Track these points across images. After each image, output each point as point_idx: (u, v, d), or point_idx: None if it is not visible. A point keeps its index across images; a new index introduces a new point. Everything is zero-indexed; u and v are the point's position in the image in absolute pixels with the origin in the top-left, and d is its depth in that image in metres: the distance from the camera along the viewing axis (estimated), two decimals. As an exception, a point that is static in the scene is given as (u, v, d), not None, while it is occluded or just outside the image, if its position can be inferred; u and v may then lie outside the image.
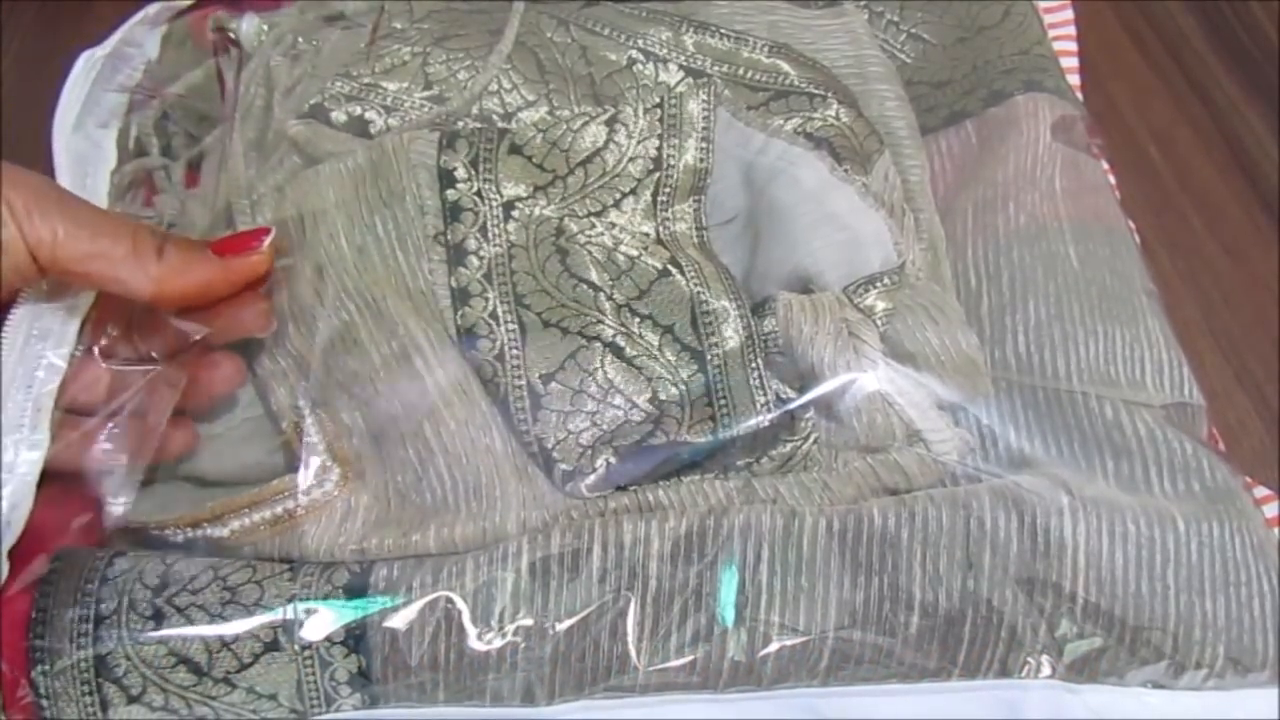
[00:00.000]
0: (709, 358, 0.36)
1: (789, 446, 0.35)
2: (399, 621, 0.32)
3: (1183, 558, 0.32)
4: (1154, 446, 0.35)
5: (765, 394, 0.35)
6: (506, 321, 0.36)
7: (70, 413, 0.34)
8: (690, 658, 0.32)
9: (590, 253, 0.37)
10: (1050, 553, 0.32)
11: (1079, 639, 0.32)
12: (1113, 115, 0.53)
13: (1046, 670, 0.32)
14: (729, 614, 0.32)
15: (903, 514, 0.33)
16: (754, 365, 0.36)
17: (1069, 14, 0.50)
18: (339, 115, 0.41)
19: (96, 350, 0.34)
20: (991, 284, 0.39)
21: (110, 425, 0.33)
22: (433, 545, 0.34)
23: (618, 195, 0.39)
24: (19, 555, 0.34)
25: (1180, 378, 0.37)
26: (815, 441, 0.35)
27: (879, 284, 0.36)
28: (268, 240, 0.34)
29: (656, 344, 0.36)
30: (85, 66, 0.44)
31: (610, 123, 0.39)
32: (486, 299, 0.37)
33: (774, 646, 0.32)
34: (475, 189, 0.38)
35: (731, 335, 0.36)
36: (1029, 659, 0.32)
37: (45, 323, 0.33)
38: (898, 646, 0.32)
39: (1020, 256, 0.39)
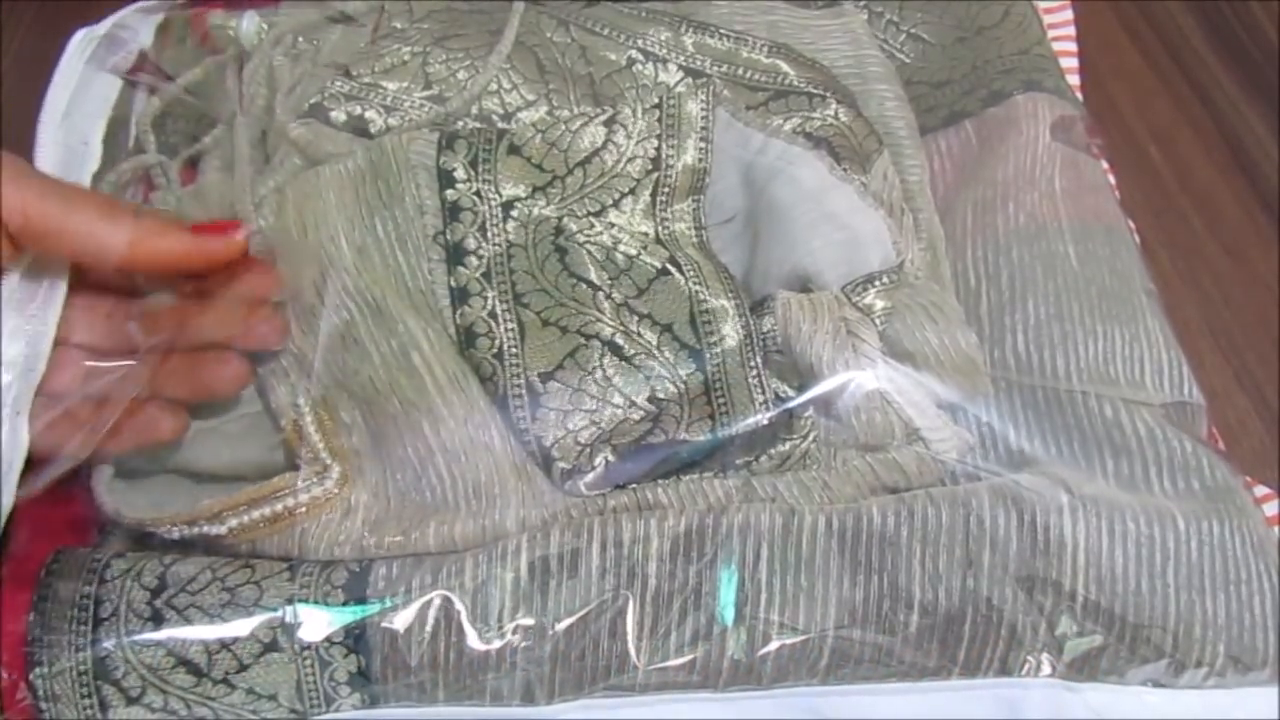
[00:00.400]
0: (708, 356, 0.36)
1: (788, 445, 0.35)
2: (398, 621, 0.32)
3: (1183, 556, 0.32)
4: (1154, 445, 0.35)
5: (764, 393, 0.35)
6: (505, 320, 0.36)
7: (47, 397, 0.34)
8: (690, 657, 0.32)
9: (589, 252, 0.37)
10: (1050, 551, 0.32)
11: (1079, 637, 0.32)
12: (1113, 115, 0.53)
13: (1046, 669, 0.32)
14: (728, 613, 0.32)
15: (902, 512, 0.33)
16: (753, 364, 0.35)
17: (1069, 14, 0.50)
18: (339, 115, 0.41)
19: (74, 342, 0.34)
20: (991, 283, 0.39)
21: (82, 413, 0.33)
22: (432, 543, 0.34)
23: (617, 195, 0.39)
24: (16, 555, 0.34)
25: (1180, 377, 0.36)
26: (814, 440, 0.35)
27: (878, 283, 0.36)
28: (242, 232, 0.35)
29: (655, 342, 0.36)
30: (81, 44, 0.43)
31: (609, 123, 0.39)
32: (485, 298, 0.37)
33: (774, 645, 0.32)
34: (474, 189, 0.38)
35: (730, 334, 0.36)
36: (1029, 657, 0.32)
37: (21, 312, 0.33)
38: (897, 645, 0.32)
39: (1020, 256, 0.39)
